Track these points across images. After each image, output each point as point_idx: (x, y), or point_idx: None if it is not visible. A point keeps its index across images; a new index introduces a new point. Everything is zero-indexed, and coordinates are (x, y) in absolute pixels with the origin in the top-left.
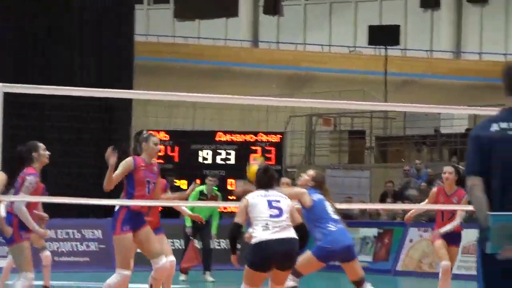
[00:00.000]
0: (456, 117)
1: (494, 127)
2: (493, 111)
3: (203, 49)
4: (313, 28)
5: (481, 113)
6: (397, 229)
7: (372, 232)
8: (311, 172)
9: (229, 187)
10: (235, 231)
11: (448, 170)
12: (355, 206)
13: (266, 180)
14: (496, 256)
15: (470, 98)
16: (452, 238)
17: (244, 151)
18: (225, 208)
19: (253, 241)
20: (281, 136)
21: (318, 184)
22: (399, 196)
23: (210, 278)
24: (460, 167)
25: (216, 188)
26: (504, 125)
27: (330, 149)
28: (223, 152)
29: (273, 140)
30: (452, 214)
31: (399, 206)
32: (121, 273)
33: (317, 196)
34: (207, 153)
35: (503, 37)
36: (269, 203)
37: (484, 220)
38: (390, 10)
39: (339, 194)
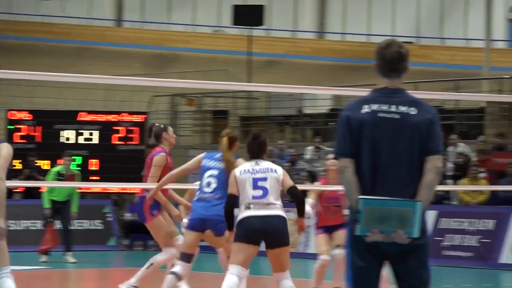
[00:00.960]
0: (319, 97)
1: (365, 109)
2: (356, 92)
3: (68, 28)
4: (177, 7)
5: (344, 93)
6: None
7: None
8: None
9: (91, 168)
10: (230, 204)
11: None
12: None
13: (255, 148)
14: (364, 238)
15: (333, 79)
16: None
17: (107, 131)
18: (88, 188)
19: (239, 218)
20: (144, 116)
21: None
22: None
23: (71, 259)
24: (323, 147)
25: (75, 167)
26: (375, 107)
27: (193, 129)
28: (86, 132)
29: (136, 120)
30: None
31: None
32: (168, 251)
33: None
34: (70, 133)
35: (366, 18)
36: (255, 182)
37: (354, 203)
38: None
39: None
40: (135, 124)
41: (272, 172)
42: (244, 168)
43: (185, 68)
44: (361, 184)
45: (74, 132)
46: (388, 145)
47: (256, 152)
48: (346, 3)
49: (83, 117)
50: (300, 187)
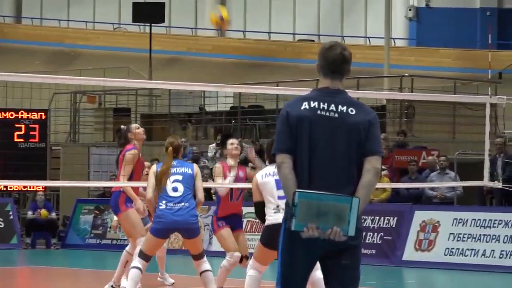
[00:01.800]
0: (221, 95)
1: (304, 106)
2: (257, 89)
3: None
4: (77, 4)
5: (245, 90)
6: None
7: None
8: None
9: None
10: (260, 210)
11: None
12: (121, 184)
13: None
14: (300, 234)
15: (235, 76)
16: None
17: (7, 128)
18: None
19: (266, 223)
20: (44, 114)
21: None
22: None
23: None
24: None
25: None
26: (314, 104)
27: (95, 127)
28: None
29: (37, 118)
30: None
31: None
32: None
33: None
34: None
35: (267, 16)
36: (277, 183)
37: (290, 197)
38: None
39: (104, 172)
40: (36, 121)
41: None
42: (265, 172)
43: (86, 65)
44: (299, 179)
45: None
46: (325, 142)
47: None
48: (247, 1)
49: None
50: (204, 185)
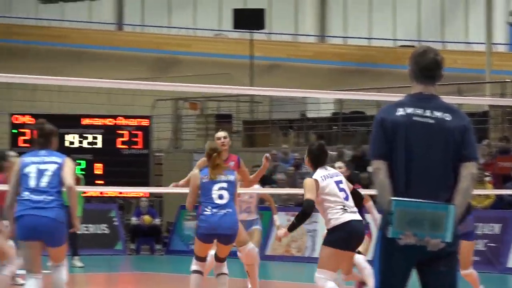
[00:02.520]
0: (322, 101)
1: (400, 112)
2: (358, 95)
3: (67, 32)
4: (178, 11)
5: (347, 97)
6: (266, 213)
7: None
8: None
9: (96, 172)
10: (309, 207)
11: (339, 166)
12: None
13: (324, 158)
14: (397, 241)
15: (335, 82)
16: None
17: (110, 135)
18: (86, 192)
19: (337, 222)
20: (148, 120)
21: None
22: (267, 180)
23: (78, 264)
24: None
25: (79, 172)
26: (410, 110)
27: (197, 133)
28: (90, 136)
29: (140, 124)
30: None
31: (266, 191)
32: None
33: None
34: (74, 137)
35: (367, 21)
36: (337, 184)
37: (387, 204)
38: None
39: None
40: (139, 128)
41: (343, 176)
42: (322, 174)
43: (187, 72)
44: (395, 186)
45: (77, 136)
46: (422, 148)
47: (324, 160)
48: (347, 7)
49: (87, 121)
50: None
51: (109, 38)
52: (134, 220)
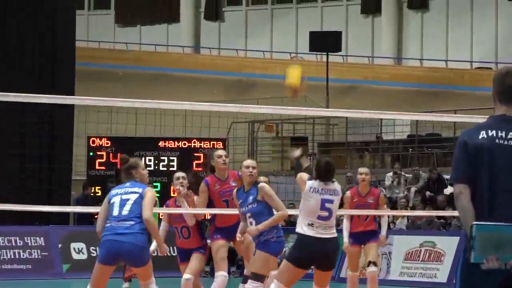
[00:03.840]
0: (398, 123)
1: (482, 135)
2: (434, 117)
3: (144, 55)
4: (254, 34)
5: (423, 118)
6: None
7: None
8: None
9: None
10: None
11: (364, 171)
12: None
13: (328, 175)
14: (480, 266)
15: (411, 104)
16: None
17: (186, 157)
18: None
19: (298, 229)
20: (223, 142)
21: None
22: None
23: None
24: (403, 173)
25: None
26: (492, 133)
27: (272, 156)
28: (166, 159)
29: (215, 146)
30: (367, 215)
31: (343, 212)
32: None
33: None
34: (150, 160)
35: (444, 43)
36: (323, 203)
37: (469, 229)
38: (331, 16)
39: (282, 200)
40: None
41: (338, 195)
42: (315, 187)
43: (264, 94)
44: (478, 210)
45: (153, 158)
46: (506, 172)
47: (327, 176)
48: (423, 29)
49: (163, 143)
50: (378, 212)
51: (187, 61)
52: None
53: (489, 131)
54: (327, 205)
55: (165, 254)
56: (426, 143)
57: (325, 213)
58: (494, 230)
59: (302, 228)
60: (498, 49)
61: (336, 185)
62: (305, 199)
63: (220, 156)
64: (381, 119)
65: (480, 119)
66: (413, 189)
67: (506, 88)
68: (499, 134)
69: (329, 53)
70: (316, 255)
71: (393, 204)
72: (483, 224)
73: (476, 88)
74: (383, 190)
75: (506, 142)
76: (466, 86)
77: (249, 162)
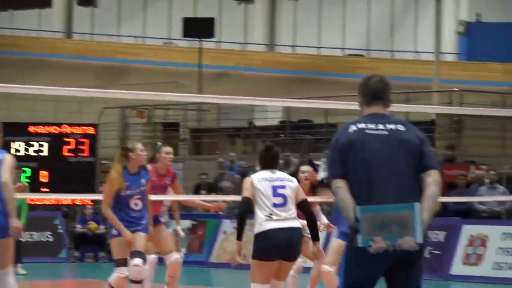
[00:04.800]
0: (270, 109)
1: (353, 128)
2: (306, 103)
3: (16, 40)
4: (127, 19)
5: (295, 105)
6: (211, 221)
7: (185, 223)
8: None
9: (41, 179)
10: (244, 205)
11: (304, 170)
12: (168, 198)
13: (269, 160)
14: (368, 249)
15: (284, 90)
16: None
17: (57, 142)
18: (32, 200)
19: (256, 230)
20: (94, 128)
21: None
22: (213, 188)
23: (21, 271)
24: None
25: (24, 179)
26: (361, 125)
27: (144, 141)
28: (36, 144)
29: (86, 132)
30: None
31: (213, 198)
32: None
33: None
34: (20, 145)
35: (316, 30)
36: (274, 189)
37: (353, 213)
38: (205, 3)
39: None
40: (85, 136)
41: (290, 181)
42: (261, 177)
43: (136, 80)
44: (358, 199)
45: (23, 144)
46: (380, 159)
47: (270, 163)
48: (296, 16)
49: (33, 128)
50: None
51: (58, 46)
52: (78, 227)
53: (359, 124)
54: (279, 190)
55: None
56: (298, 129)
57: (280, 199)
58: (376, 210)
59: (260, 225)
60: (370, 37)
61: (284, 174)
62: (255, 194)
63: (168, 153)
64: (253, 105)
65: (352, 105)
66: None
67: (370, 91)
68: (369, 126)
69: (202, 39)
70: (280, 244)
71: None
72: (367, 206)
73: (347, 75)
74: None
75: (376, 132)
76: (338, 73)
77: (169, 149)
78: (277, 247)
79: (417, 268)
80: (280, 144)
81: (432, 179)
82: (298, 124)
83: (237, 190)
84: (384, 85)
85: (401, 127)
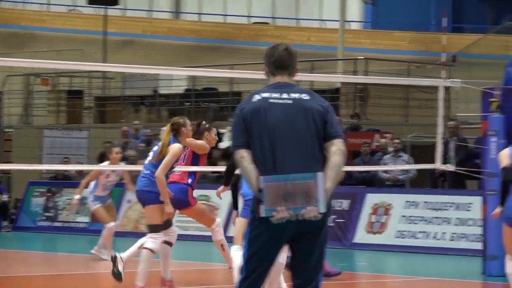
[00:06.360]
0: (175, 77)
1: (257, 98)
2: (211, 72)
3: None
4: None
5: (200, 74)
6: (115, 190)
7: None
8: None
9: None
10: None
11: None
12: (72, 167)
13: None
14: (270, 220)
15: (190, 59)
16: None
17: None
18: None
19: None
20: None
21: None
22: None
23: None
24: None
25: None
26: (266, 95)
27: (48, 109)
28: None
29: None
30: None
31: (120, 167)
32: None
33: None
34: None
35: None
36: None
37: (256, 183)
38: None
39: (57, 154)
40: None
41: None
42: None
43: (41, 47)
44: (263, 168)
45: None
46: (284, 127)
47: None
48: None
49: None
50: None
51: None
52: None
53: (263, 94)
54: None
55: None
56: (203, 97)
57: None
58: (280, 180)
59: None
60: (275, 5)
61: None
62: None
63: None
64: (158, 73)
65: (257, 74)
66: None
67: (274, 60)
68: (273, 95)
69: (107, 7)
70: None
71: None
72: (270, 176)
73: (253, 43)
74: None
75: (280, 101)
76: (244, 41)
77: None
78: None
79: (321, 238)
80: (185, 112)
81: (336, 148)
82: (203, 92)
83: (142, 158)
84: (289, 54)
85: (305, 96)
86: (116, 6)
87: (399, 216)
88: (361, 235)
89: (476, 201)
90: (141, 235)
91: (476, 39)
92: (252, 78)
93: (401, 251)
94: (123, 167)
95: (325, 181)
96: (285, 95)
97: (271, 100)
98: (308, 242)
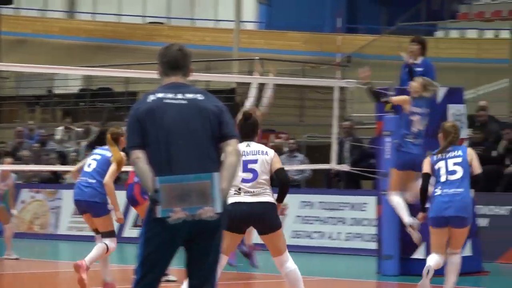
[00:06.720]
0: (70, 77)
1: (151, 98)
2: (106, 72)
3: None
4: None
5: (95, 73)
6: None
7: None
8: None
9: None
10: None
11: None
12: None
13: (247, 130)
14: (167, 220)
15: (84, 58)
16: None
17: None
18: None
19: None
20: None
21: None
22: (12, 156)
23: None
24: (74, 128)
25: None
26: (160, 95)
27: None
28: None
29: None
30: None
31: (10, 167)
32: None
33: None
34: None
35: None
36: (245, 165)
37: (152, 184)
38: None
39: None
40: None
41: (263, 154)
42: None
43: None
44: (158, 168)
45: None
46: (178, 127)
47: (247, 134)
48: None
49: None
50: (51, 168)
51: None
52: None
53: (158, 94)
54: (249, 166)
55: None
56: (98, 97)
57: (249, 175)
58: (175, 180)
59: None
60: (170, 5)
61: (260, 146)
62: None
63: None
64: (53, 73)
65: (152, 74)
66: (84, 143)
67: (168, 60)
68: (168, 95)
69: (0, 6)
70: (242, 217)
71: (63, 158)
72: (166, 176)
73: (148, 42)
74: (54, 144)
75: (174, 101)
76: (139, 41)
77: None
78: (240, 220)
79: (217, 238)
80: (80, 112)
81: (232, 148)
82: (98, 92)
83: (36, 159)
84: (183, 55)
85: (200, 97)
86: (9, 5)
87: (294, 216)
88: (255, 236)
89: (371, 201)
90: (36, 235)
91: (370, 39)
92: (148, 78)
93: (296, 251)
94: (16, 167)
95: (221, 181)
96: (179, 96)
97: (166, 101)
98: (204, 242)
